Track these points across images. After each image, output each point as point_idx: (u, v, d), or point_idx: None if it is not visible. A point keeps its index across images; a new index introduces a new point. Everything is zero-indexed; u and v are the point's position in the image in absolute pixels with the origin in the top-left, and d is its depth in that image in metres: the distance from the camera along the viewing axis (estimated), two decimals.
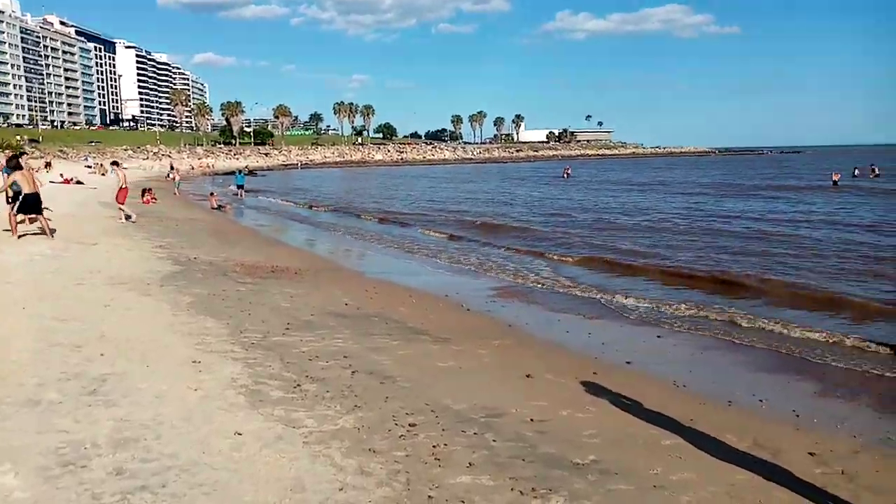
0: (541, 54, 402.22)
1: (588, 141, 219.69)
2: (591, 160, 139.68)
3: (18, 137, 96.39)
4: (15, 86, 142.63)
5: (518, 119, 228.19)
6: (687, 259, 14.81)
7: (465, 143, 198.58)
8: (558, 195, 38.18)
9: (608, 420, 5.24)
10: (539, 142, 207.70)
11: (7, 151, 70.96)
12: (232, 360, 6.05)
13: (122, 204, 18.96)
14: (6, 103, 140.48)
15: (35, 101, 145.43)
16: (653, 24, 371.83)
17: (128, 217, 18.72)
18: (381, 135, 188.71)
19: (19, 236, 13.09)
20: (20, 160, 14.72)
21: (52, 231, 13.60)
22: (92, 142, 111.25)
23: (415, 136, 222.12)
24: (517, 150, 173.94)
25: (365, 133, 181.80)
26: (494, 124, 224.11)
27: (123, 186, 19.10)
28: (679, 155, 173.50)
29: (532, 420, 5.09)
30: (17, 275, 9.55)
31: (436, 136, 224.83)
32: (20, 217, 13.39)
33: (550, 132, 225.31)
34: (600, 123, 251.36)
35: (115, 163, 24.51)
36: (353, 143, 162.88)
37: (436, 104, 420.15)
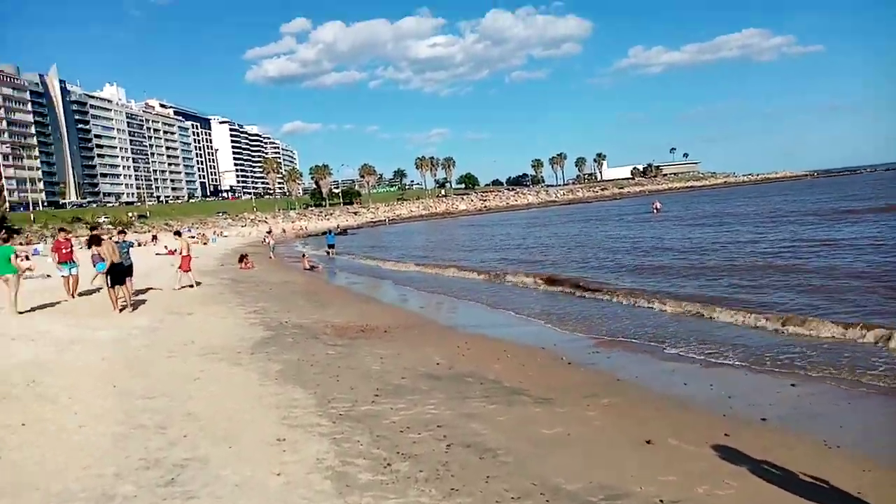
0: (617, 91, 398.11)
1: (675, 174, 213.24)
2: (680, 193, 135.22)
3: (130, 214, 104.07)
4: (124, 167, 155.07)
5: (600, 157, 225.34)
6: (801, 302, 13.36)
7: (548, 186, 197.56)
8: (648, 234, 36.57)
9: (757, 498, 4.37)
10: (623, 178, 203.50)
11: (118, 227, 76.24)
12: (318, 437, 5.61)
13: (187, 271, 19.27)
14: (117, 183, 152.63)
15: (142, 179, 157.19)
16: (730, 51, 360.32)
17: (191, 285, 18.91)
18: (463, 185, 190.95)
19: (121, 309, 13.48)
20: (99, 234, 15.07)
21: (132, 305, 13.87)
22: (220, 212, 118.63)
23: (496, 183, 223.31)
24: (602, 189, 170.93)
25: (447, 185, 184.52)
26: (576, 165, 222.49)
27: (186, 255, 19.39)
28: (774, 181, 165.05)
29: (662, 502, 4.31)
30: (113, 350, 9.64)
31: (517, 182, 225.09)
32: (119, 290, 13.78)
33: (634, 168, 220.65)
34: (686, 155, 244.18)
35: (177, 233, 25.13)
36: (437, 196, 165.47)
37: (515, 150, 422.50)
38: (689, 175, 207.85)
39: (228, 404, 6.72)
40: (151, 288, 18.84)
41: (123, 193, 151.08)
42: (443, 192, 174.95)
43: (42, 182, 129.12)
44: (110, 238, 18.48)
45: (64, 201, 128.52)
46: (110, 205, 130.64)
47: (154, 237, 62.24)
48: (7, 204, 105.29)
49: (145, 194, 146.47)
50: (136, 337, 10.86)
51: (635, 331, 11.33)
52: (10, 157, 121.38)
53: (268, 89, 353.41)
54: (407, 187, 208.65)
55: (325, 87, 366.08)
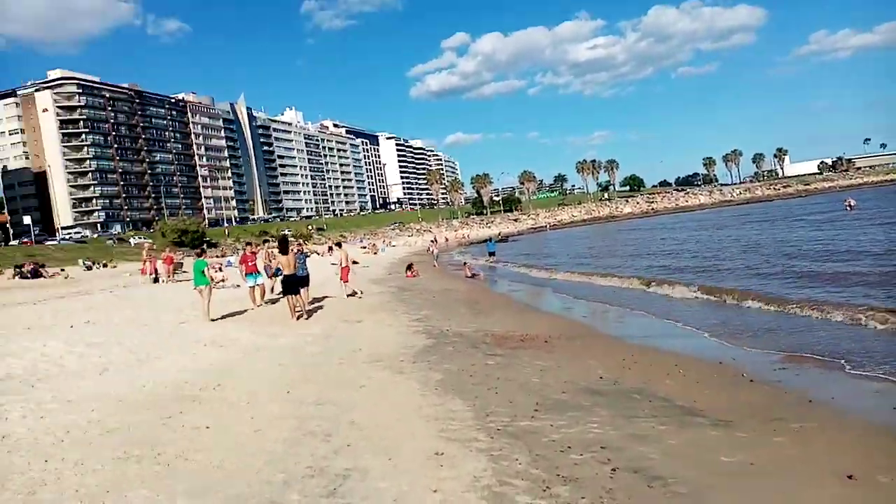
0: (797, 81, 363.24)
1: (870, 167, 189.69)
2: (879, 188, 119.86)
3: (309, 227, 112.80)
4: (303, 184, 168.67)
5: (781, 153, 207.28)
6: None
7: (722, 185, 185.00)
8: (841, 235, 32.66)
9: None
10: (809, 174, 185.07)
11: (300, 240, 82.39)
12: (476, 452, 5.49)
13: (346, 282, 19.93)
14: (298, 199, 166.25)
15: (318, 195, 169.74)
16: None
17: (351, 294, 19.52)
18: (627, 188, 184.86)
19: (297, 317, 14.42)
20: (288, 245, 16.09)
21: (307, 313, 14.70)
22: (394, 223, 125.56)
23: (664, 184, 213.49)
24: (784, 186, 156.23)
25: (611, 188, 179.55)
26: (753, 161, 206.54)
27: (345, 266, 19.97)
28: None
29: None
30: (290, 357, 10.29)
31: (687, 182, 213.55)
32: (294, 300, 14.71)
33: (822, 162, 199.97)
34: (883, 146, 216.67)
35: (337, 244, 25.39)
36: (600, 200, 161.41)
37: (683, 150, 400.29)
38: (888, 168, 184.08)
39: (390, 414, 6.83)
40: (327, 296, 20.08)
41: (303, 208, 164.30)
42: (605, 195, 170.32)
43: (234, 200, 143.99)
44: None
45: (253, 217, 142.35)
46: (292, 219, 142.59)
47: (330, 248, 66.77)
48: (206, 221, 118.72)
49: (322, 208, 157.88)
50: (310, 344, 11.53)
51: (830, 346, 10.00)
52: (208, 179, 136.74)
53: (430, 103, 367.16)
54: (568, 192, 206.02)
55: (485, 97, 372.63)
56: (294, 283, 14.68)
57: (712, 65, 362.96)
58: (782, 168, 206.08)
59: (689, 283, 19.22)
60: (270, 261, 18.54)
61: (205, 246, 18.40)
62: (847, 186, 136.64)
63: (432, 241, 60.22)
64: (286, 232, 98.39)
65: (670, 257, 30.78)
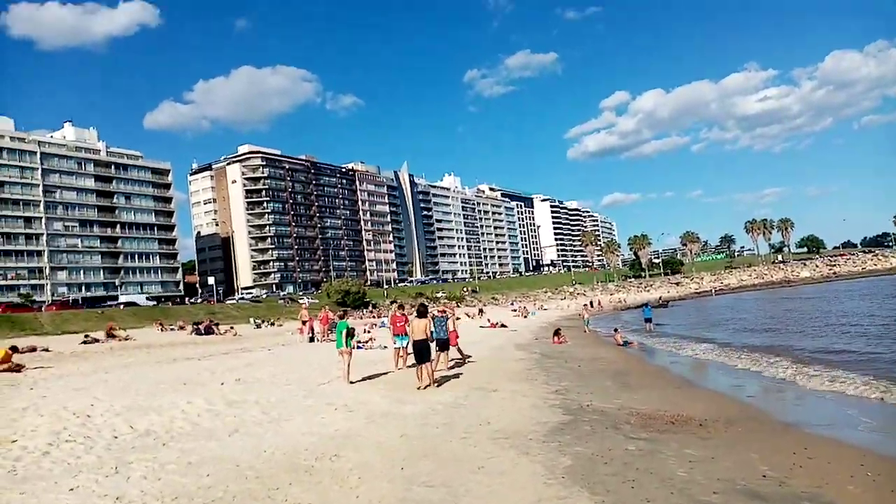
0: None
1: None
2: None
3: (464, 289, 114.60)
4: (459, 246, 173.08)
5: None
6: None
7: None
8: None
9: None
10: None
11: (454, 302, 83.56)
12: None
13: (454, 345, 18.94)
14: (453, 262, 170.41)
15: (473, 257, 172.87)
16: None
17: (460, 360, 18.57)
18: (805, 249, 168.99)
19: (425, 387, 13.92)
20: (426, 310, 15.76)
21: (436, 382, 14.19)
22: (543, 289, 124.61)
23: (848, 245, 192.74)
24: None
25: (785, 249, 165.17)
26: None
27: (452, 330, 18.78)
28: None
29: None
30: (414, 426, 9.84)
31: (876, 243, 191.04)
32: (423, 369, 14.23)
33: None
34: None
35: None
36: (772, 262, 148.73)
37: (871, 206, 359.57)
38: None
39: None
40: (468, 361, 19.67)
41: (458, 270, 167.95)
42: (779, 257, 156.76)
43: (394, 262, 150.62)
44: (432, 313, 19.94)
45: (411, 279, 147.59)
46: (447, 280, 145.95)
47: (480, 310, 66.96)
48: (368, 282, 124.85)
49: (476, 270, 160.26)
50: (438, 413, 11.04)
51: None
52: (372, 243, 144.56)
53: (587, 164, 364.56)
54: (736, 254, 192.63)
55: (645, 155, 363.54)
56: (426, 350, 14.21)
57: None
58: None
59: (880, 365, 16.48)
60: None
61: (349, 308, 18.66)
62: None
63: (585, 306, 58.19)
64: (440, 294, 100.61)
65: (862, 330, 26.96)
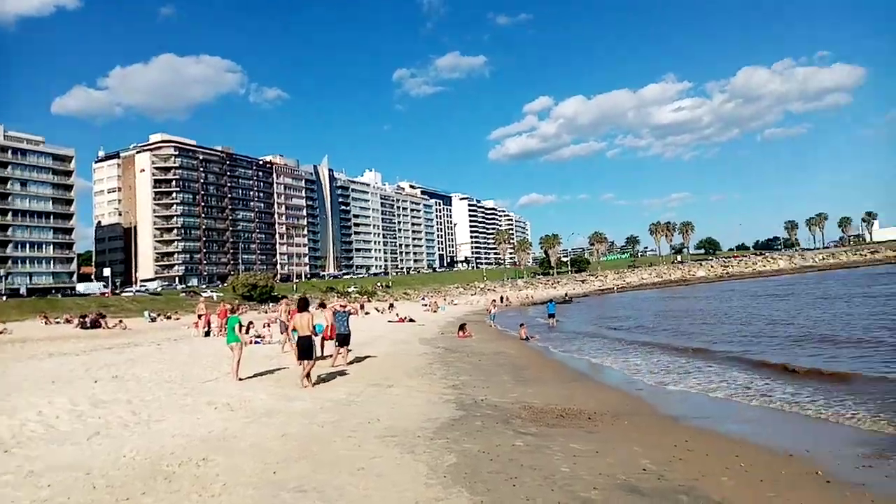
0: (892, 142, 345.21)
1: None
2: None
3: (379, 284, 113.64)
4: (375, 242, 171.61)
5: (870, 217, 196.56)
6: None
7: (804, 249, 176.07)
8: None
9: None
10: None
11: (364, 297, 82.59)
12: None
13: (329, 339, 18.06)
14: (368, 257, 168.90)
15: (389, 253, 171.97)
16: None
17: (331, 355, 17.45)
18: (702, 250, 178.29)
19: (311, 385, 13.20)
20: (308, 304, 14.50)
21: (312, 382, 13.22)
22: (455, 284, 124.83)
23: (741, 248, 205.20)
24: (871, 252, 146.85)
25: (684, 251, 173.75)
26: (839, 225, 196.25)
27: (328, 324, 17.85)
28: None
29: None
30: (297, 426, 9.33)
31: (766, 246, 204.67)
32: (308, 365, 13.34)
33: None
34: None
35: (321, 304, 21.92)
36: (672, 262, 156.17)
37: (764, 213, 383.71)
38: None
39: None
40: (369, 356, 19.20)
41: (373, 265, 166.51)
42: (679, 257, 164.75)
43: (307, 257, 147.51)
44: (331, 307, 19.33)
45: (324, 273, 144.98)
46: (360, 276, 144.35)
47: (391, 304, 66.51)
48: (278, 276, 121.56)
49: (391, 266, 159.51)
50: (327, 410, 10.55)
51: None
52: (285, 236, 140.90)
53: (508, 165, 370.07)
54: (640, 254, 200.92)
55: (563, 159, 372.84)
56: (309, 348, 13.32)
57: (803, 126, 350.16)
58: (870, 233, 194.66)
59: (761, 356, 17.33)
60: (290, 318, 17.69)
61: (237, 302, 17.33)
62: None
63: (493, 301, 58.84)
64: (351, 289, 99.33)
65: (752, 326, 28.47)
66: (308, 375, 13.25)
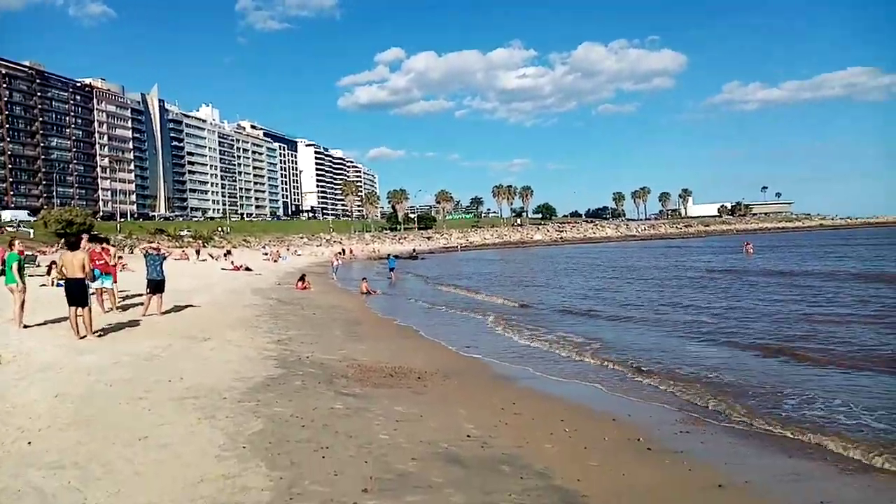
0: (707, 127, 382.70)
1: (766, 214, 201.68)
2: (771, 234, 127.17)
3: (217, 228, 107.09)
4: (212, 183, 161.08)
5: (685, 193, 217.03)
6: None
7: (629, 219, 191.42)
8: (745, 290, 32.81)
9: None
10: (710, 216, 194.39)
11: (199, 241, 77.46)
12: None
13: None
14: (205, 199, 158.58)
15: (227, 196, 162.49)
16: (832, 90, 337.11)
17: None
18: (540, 215, 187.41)
19: (94, 333, 11.54)
20: (78, 243, 12.82)
21: (89, 330, 11.47)
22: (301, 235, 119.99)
23: (575, 215, 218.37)
24: (686, 226, 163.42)
25: (524, 214, 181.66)
26: (660, 200, 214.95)
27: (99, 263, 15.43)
28: (878, 225, 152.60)
29: None
30: (80, 383, 7.92)
31: (596, 215, 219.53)
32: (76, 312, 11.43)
33: (722, 206, 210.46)
34: (778, 195, 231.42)
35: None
36: (512, 225, 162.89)
37: (596, 183, 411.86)
38: (780, 216, 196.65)
39: (152, 490, 4.72)
40: (191, 306, 17.50)
41: (210, 209, 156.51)
42: (518, 221, 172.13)
43: (135, 195, 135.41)
44: (145, 249, 17.28)
45: (154, 214, 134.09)
46: (196, 219, 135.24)
47: (227, 251, 62.77)
48: (101, 213, 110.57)
49: (229, 211, 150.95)
50: (122, 366, 9.15)
51: (757, 399, 8.63)
52: (108, 170, 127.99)
53: (358, 115, 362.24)
54: (483, 215, 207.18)
55: (413, 114, 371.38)
56: (80, 291, 11.38)
57: (632, 105, 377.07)
58: (685, 208, 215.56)
59: (589, 316, 17.98)
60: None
61: (15, 239, 14.30)
62: (743, 230, 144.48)
63: (338, 254, 57.51)
64: (184, 232, 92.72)
65: (585, 287, 29.87)
66: (82, 325, 11.36)
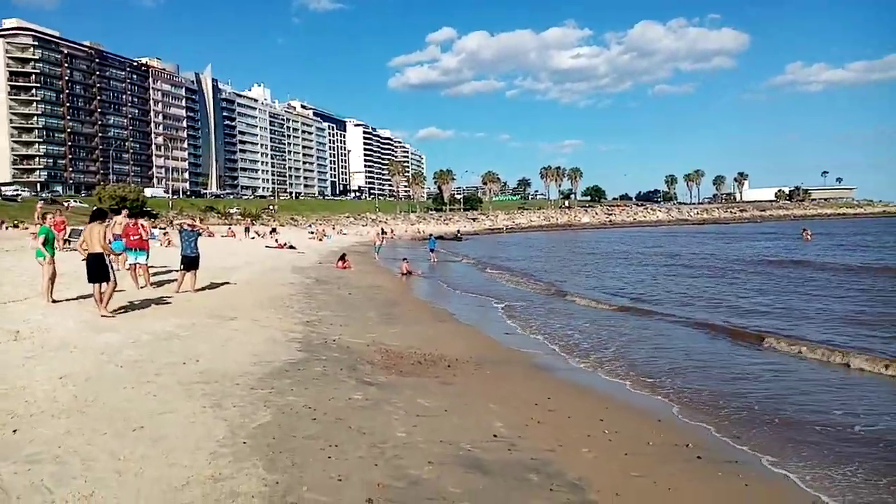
0: (767, 109, 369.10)
1: (825, 199, 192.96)
2: (831, 220, 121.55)
3: (267, 206, 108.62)
4: (262, 162, 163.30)
5: (741, 177, 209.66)
6: None
7: (681, 203, 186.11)
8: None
9: None
10: (766, 201, 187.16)
11: (248, 219, 78.37)
12: None
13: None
14: (255, 178, 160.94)
15: (277, 175, 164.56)
16: None
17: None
18: (589, 197, 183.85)
19: (110, 311, 11.20)
20: (104, 216, 12.12)
21: (105, 308, 11.01)
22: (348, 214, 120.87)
23: (625, 197, 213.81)
24: (741, 210, 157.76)
25: (572, 196, 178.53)
26: (714, 183, 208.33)
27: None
28: None
29: None
30: (91, 363, 7.55)
31: (647, 198, 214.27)
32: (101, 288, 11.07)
33: (780, 190, 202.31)
34: (839, 180, 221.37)
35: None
36: (560, 207, 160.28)
37: (649, 165, 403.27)
38: (841, 202, 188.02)
39: (127, 495, 4.19)
40: (227, 283, 17.27)
41: (259, 188, 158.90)
42: (566, 203, 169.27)
43: (187, 172, 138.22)
44: (180, 225, 17.09)
45: (205, 191, 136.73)
46: (246, 197, 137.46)
47: (273, 230, 63.29)
48: (154, 190, 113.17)
49: (278, 189, 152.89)
50: (138, 346, 8.77)
51: (817, 410, 7.70)
52: (162, 148, 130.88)
53: (408, 95, 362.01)
54: (531, 197, 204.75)
55: (463, 95, 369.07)
56: (101, 266, 10.93)
57: (690, 85, 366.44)
58: (741, 192, 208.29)
59: (628, 304, 17.04)
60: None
61: (43, 211, 14.07)
62: (801, 216, 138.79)
63: (380, 233, 57.23)
64: (233, 210, 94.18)
65: (632, 275, 28.73)
66: (104, 301, 11.03)
